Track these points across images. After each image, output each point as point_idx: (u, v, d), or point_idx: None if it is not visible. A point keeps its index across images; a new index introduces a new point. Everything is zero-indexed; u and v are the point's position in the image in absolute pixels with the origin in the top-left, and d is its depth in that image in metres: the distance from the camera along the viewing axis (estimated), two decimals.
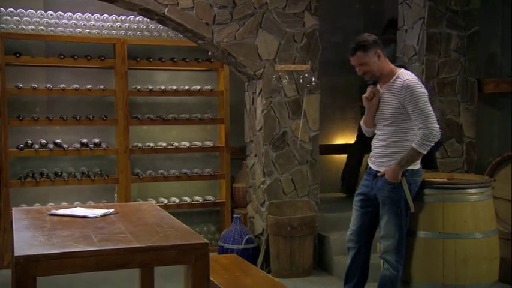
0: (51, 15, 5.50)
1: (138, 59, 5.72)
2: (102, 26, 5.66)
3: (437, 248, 3.69)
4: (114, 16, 5.70)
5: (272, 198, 5.14)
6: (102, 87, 5.60)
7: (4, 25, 5.34)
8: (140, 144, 5.73)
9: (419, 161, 3.62)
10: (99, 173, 5.58)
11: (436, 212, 3.69)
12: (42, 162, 5.53)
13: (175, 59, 5.83)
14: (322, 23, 5.37)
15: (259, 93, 5.23)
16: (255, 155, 5.35)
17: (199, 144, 5.94)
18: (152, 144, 5.77)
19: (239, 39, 5.06)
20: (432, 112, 3.50)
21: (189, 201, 5.87)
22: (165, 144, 5.81)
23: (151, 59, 5.77)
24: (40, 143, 5.42)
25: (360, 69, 3.66)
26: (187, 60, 5.88)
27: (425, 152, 3.51)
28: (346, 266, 4.82)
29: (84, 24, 5.60)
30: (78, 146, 5.52)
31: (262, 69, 5.13)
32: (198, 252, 2.51)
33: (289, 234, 4.91)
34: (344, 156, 6.62)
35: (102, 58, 5.59)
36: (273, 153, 5.16)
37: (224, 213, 5.99)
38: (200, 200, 5.92)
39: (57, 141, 5.47)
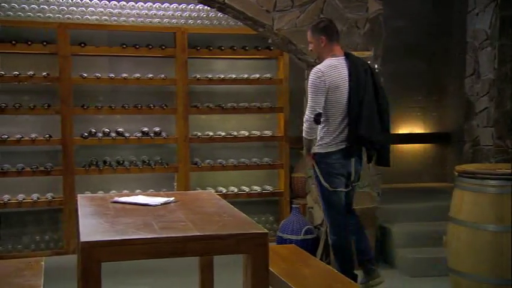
0: (114, 5, 5.58)
1: (198, 48, 5.72)
2: (163, 15, 5.70)
3: (508, 242, 3.50)
4: (175, 5, 5.73)
5: None
6: (162, 76, 5.64)
7: (70, 15, 5.46)
8: (199, 133, 5.75)
9: (330, 145, 3.90)
10: (159, 161, 5.65)
11: (506, 205, 3.50)
12: (105, 150, 5.64)
13: (235, 48, 5.81)
14: (386, 8, 5.19)
15: None
16: None
17: (258, 133, 5.90)
18: (211, 133, 5.78)
19: (299, 26, 4.97)
20: (312, 103, 3.81)
21: (247, 190, 5.85)
22: (223, 134, 5.81)
23: (211, 48, 5.76)
24: (103, 131, 5.52)
25: (309, 45, 4.12)
26: (246, 48, 5.84)
27: (307, 137, 3.90)
28: (409, 259, 4.72)
29: (145, 14, 5.66)
30: (139, 134, 5.59)
31: None
32: (257, 241, 2.46)
33: None
34: (408, 146, 6.45)
35: (163, 47, 5.63)
36: None
37: (283, 204, 5.94)
38: (258, 190, 5.89)
39: (119, 130, 5.57)
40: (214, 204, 3.20)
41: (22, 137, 5.24)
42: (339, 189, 3.92)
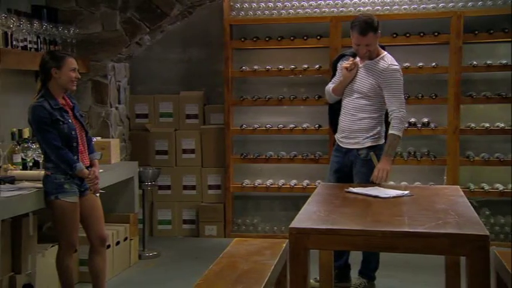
0: None
1: (476, 32, 5.25)
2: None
3: None
4: None
5: None
6: (433, 64, 5.35)
7: (344, 9, 5.59)
8: (473, 125, 5.28)
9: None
10: (426, 153, 5.37)
11: None
12: None
13: None
14: None
15: None
16: None
17: None
18: (487, 125, 5.25)
19: None
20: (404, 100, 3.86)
21: None
22: (502, 125, 5.22)
23: (491, 31, 5.22)
24: None
25: (364, 49, 3.84)
26: None
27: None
28: None
29: (420, 0, 5.44)
30: (406, 125, 5.40)
31: None
32: (474, 244, 2.18)
33: None
34: None
35: (436, 34, 5.33)
36: None
37: None
38: None
39: None
40: (449, 201, 2.93)
41: (295, 126, 5.61)
42: None
